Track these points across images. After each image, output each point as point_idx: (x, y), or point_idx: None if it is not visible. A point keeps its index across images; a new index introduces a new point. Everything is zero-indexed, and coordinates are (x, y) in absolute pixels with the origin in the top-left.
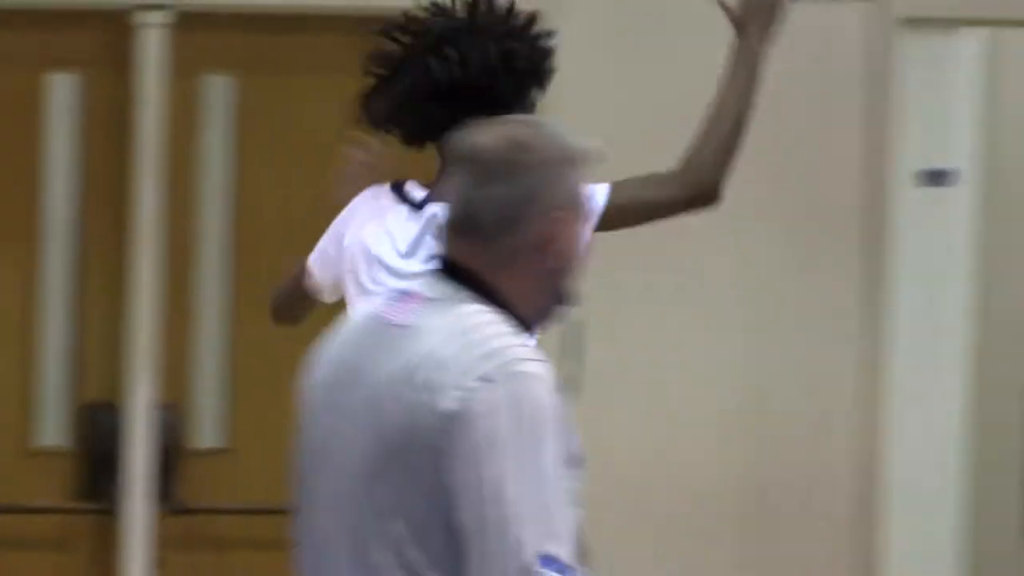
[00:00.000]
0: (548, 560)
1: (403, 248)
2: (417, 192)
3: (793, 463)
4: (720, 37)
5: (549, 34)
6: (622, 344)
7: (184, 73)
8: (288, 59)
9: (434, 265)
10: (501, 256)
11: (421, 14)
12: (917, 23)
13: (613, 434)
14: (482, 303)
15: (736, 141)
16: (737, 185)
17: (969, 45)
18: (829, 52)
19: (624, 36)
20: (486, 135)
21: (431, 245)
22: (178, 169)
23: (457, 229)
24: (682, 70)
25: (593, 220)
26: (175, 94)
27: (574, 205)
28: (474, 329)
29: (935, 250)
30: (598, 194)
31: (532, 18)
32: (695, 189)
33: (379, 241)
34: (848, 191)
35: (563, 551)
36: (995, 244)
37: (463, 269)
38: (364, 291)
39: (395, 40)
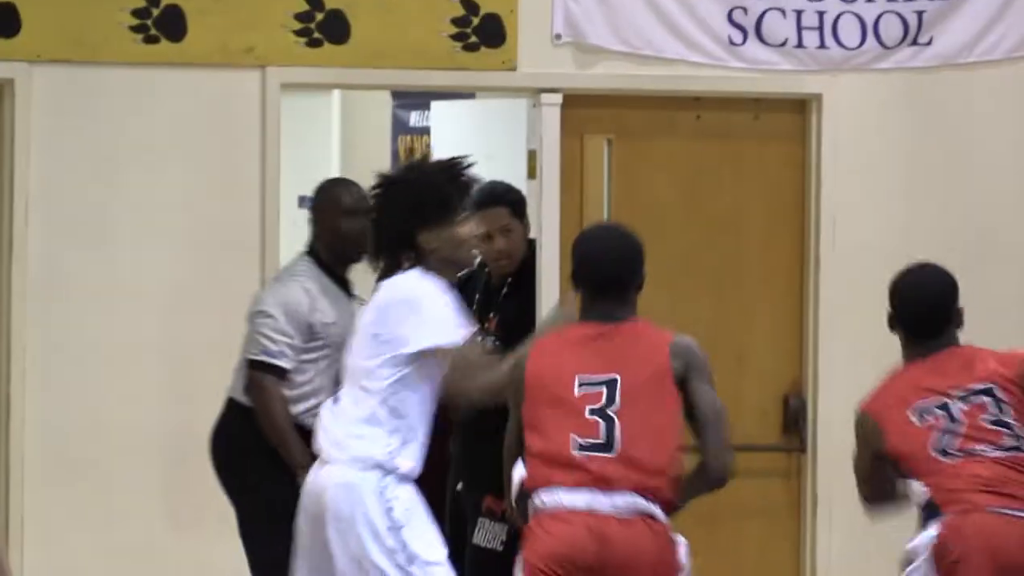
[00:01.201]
0: None
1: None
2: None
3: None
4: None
5: (467, 164)
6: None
7: None
8: None
9: None
10: None
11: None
12: (293, 87)
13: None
14: None
15: None
16: (174, 211)
17: (332, 102)
18: (232, 107)
19: None
20: None
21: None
22: None
23: None
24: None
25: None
26: None
27: None
28: None
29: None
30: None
31: (457, 160)
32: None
33: None
34: (249, 211)
35: None
36: None
37: None
38: None
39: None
